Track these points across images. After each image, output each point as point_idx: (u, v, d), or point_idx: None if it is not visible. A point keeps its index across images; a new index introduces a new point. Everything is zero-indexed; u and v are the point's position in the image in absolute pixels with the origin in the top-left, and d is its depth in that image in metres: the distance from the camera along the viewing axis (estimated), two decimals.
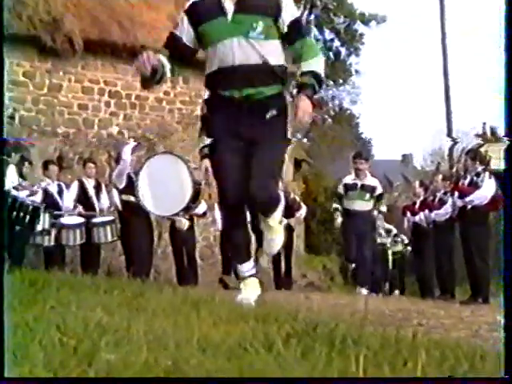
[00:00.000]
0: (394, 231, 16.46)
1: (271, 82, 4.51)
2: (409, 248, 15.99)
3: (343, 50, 27.93)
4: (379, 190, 11.35)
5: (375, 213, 11.35)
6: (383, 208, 11.62)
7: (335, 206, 11.54)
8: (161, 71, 4.40)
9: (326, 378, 1.40)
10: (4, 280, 3.94)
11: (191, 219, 11.21)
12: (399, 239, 16.60)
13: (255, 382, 1.34)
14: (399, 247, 16.64)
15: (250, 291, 4.57)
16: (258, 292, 4.59)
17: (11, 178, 9.20)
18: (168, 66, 4.47)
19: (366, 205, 11.12)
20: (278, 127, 4.53)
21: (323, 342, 1.96)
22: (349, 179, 11.35)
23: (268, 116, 4.46)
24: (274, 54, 4.48)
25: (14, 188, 9.21)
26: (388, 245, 16.28)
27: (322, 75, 4.52)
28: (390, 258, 16.38)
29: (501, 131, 29.62)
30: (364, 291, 10.70)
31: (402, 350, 2.01)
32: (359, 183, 11.12)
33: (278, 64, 4.52)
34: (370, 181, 11.32)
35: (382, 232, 15.05)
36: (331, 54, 28.00)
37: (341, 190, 11.41)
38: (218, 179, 4.69)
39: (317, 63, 4.50)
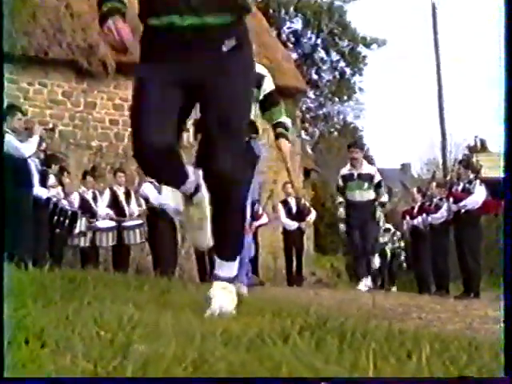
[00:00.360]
0: (392, 230, 16.36)
1: (224, 9, 3.06)
2: (402, 244, 16.07)
3: (348, 70, 27.94)
4: (377, 178, 10.19)
5: (376, 204, 10.16)
6: (384, 198, 10.37)
7: (339, 199, 10.43)
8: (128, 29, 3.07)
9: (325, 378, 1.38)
10: (46, 277, 3.95)
11: None
12: (396, 238, 16.51)
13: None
14: (396, 244, 16.58)
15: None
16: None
17: (52, 186, 9.24)
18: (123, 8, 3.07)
19: (366, 194, 10.02)
20: (240, 64, 3.12)
21: (334, 334, 1.95)
22: (345, 170, 10.32)
23: (225, 48, 3.05)
24: None
25: (53, 196, 9.26)
26: (387, 242, 16.11)
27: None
28: (389, 254, 16.27)
29: (490, 143, 29.61)
30: (364, 284, 9.77)
31: (406, 342, 1.99)
32: (355, 173, 10.05)
33: None
34: (367, 169, 10.27)
35: (381, 228, 13.21)
36: (337, 73, 28.01)
37: (340, 182, 10.36)
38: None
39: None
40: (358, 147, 10.60)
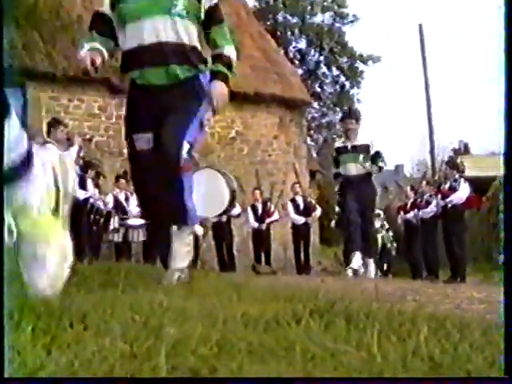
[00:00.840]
0: (382, 216, 15.98)
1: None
2: (390, 233, 15.87)
3: (347, 84, 27.98)
4: (374, 149, 8.32)
5: (374, 170, 8.17)
6: (382, 164, 8.27)
7: (335, 171, 8.62)
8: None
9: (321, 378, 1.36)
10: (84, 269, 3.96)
11: (229, 219, 11.23)
12: (385, 225, 16.13)
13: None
14: (384, 233, 16.24)
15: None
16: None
17: (90, 189, 9.28)
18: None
19: (362, 167, 8.13)
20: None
21: (341, 316, 1.93)
22: (339, 143, 8.67)
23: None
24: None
25: (91, 197, 9.30)
26: (379, 228, 15.49)
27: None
28: (380, 241, 15.86)
29: (472, 146, 29.53)
30: (357, 260, 7.91)
31: (405, 322, 1.97)
32: (349, 145, 8.20)
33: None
34: (362, 140, 8.33)
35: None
36: (338, 86, 28.05)
37: (334, 155, 8.58)
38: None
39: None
40: (352, 117, 8.50)
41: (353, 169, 8.16)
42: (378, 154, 8.22)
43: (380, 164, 8.16)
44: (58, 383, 1.04)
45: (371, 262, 8.27)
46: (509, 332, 1.27)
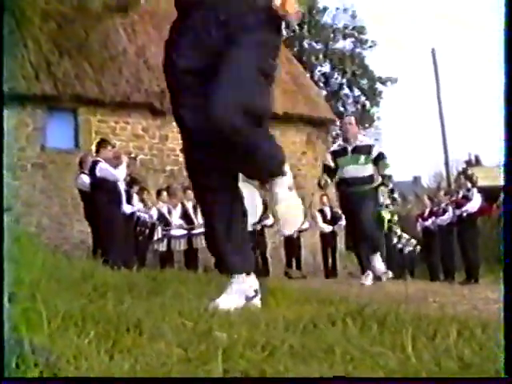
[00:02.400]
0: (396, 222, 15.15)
1: None
2: (413, 241, 15.37)
3: (368, 103, 27.89)
4: (377, 149, 6.95)
5: (376, 177, 6.80)
6: (387, 171, 6.82)
7: (325, 178, 6.97)
8: None
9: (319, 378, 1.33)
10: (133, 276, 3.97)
11: (262, 228, 11.22)
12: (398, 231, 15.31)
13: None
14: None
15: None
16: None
17: (136, 203, 9.34)
18: None
19: (363, 169, 6.75)
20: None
21: (372, 319, 1.90)
22: (336, 146, 7.25)
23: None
24: None
25: (137, 210, 9.35)
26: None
27: None
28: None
29: (483, 158, 29.19)
30: (369, 278, 6.70)
31: (431, 324, 1.93)
32: (349, 147, 6.81)
33: None
34: (363, 141, 7.07)
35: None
36: (359, 106, 27.93)
37: (329, 160, 6.98)
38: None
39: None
40: (352, 116, 7.12)
41: (352, 171, 6.78)
42: (381, 156, 6.87)
43: (385, 172, 6.82)
44: (58, 383, 1.01)
45: (378, 257, 6.87)
46: (509, 332, 1.23)
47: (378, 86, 27.92)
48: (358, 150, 6.81)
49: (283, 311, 2.20)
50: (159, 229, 10.18)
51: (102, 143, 8.06)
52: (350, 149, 6.83)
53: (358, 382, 1.14)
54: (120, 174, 7.74)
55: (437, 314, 2.33)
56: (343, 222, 12.64)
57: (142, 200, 9.94)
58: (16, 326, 1.21)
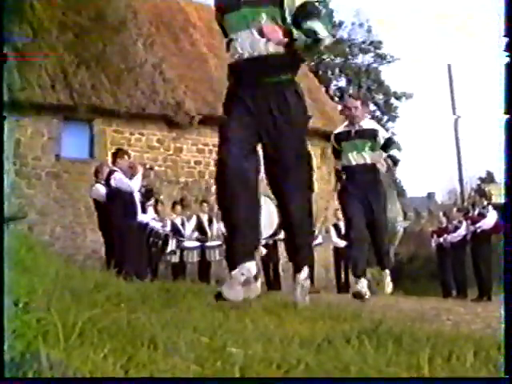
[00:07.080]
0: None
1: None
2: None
3: (384, 118, 27.92)
4: (383, 134, 5.92)
5: (383, 162, 5.71)
6: (396, 153, 5.76)
7: (336, 167, 6.21)
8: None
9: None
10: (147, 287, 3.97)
11: (275, 242, 11.16)
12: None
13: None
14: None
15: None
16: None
17: (150, 214, 9.34)
18: None
19: (368, 156, 5.80)
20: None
21: (387, 337, 1.88)
22: (340, 128, 6.14)
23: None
24: None
25: (151, 221, 9.35)
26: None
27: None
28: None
29: (496, 175, 29.06)
30: (361, 285, 5.88)
31: (446, 343, 1.90)
32: (353, 130, 5.83)
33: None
34: (368, 124, 5.96)
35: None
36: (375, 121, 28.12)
37: (333, 143, 6.06)
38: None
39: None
40: (355, 97, 6.05)
41: (357, 158, 5.85)
42: (390, 140, 5.96)
43: (392, 152, 5.77)
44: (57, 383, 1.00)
45: (387, 274, 6.23)
46: (509, 332, 1.21)
47: (394, 101, 27.95)
48: (362, 134, 5.85)
49: (297, 327, 2.18)
50: (173, 241, 10.18)
51: (119, 153, 8.06)
52: (353, 132, 5.86)
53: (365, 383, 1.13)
54: (135, 185, 7.74)
55: (451, 332, 2.31)
56: None
57: (156, 211, 9.95)
58: (31, 338, 1.20)
